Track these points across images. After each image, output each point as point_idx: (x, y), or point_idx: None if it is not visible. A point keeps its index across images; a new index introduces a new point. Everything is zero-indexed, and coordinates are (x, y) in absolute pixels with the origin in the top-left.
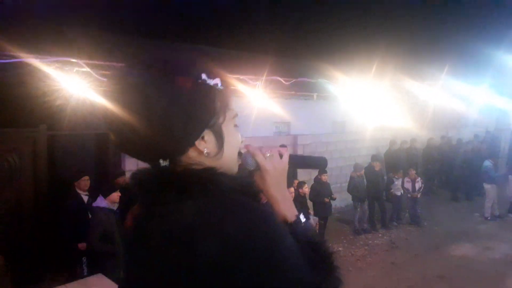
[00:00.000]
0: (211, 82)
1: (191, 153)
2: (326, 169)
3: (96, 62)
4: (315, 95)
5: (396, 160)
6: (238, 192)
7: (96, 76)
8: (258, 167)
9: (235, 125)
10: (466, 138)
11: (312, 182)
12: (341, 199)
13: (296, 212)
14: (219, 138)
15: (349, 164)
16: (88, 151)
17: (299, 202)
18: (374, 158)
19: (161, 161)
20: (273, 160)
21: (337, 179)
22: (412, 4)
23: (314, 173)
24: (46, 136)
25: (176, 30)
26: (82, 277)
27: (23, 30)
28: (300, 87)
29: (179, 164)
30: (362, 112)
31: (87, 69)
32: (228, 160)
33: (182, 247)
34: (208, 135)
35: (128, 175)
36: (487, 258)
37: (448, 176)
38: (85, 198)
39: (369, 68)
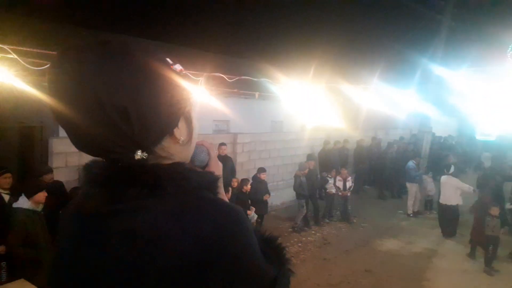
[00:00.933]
0: (176, 67)
1: (165, 143)
2: (264, 167)
3: (25, 49)
4: (256, 94)
5: (329, 160)
6: (205, 189)
7: (24, 64)
8: (208, 163)
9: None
10: (394, 139)
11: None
12: (277, 197)
13: (227, 198)
14: (189, 124)
15: (286, 163)
16: (11, 145)
17: (241, 199)
18: (310, 157)
19: (139, 153)
20: (217, 157)
21: (274, 178)
22: (349, 12)
23: (253, 172)
24: None
25: (112, 20)
26: (1, 283)
27: None
28: (242, 86)
29: (154, 156)
30: (300, 113)
31: (13, 56)
32: (191, 151)
33: (151, 249)
34: (181, 122)
35: (56, 172)
36: (409, 252)
37: (376, 175)
38: (6, 197)
39: (308, 70)
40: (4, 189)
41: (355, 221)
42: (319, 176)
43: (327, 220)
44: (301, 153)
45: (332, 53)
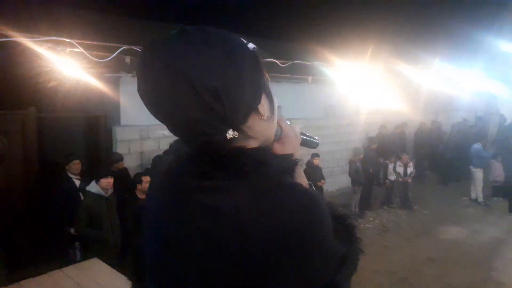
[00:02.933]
0: (250, 46)
1: (250, 121)
2: (318, 153)
3: (90, 42)
4: (310, 78)
5: (387, 144)
6: (286, 174)
7: (90, 56)
8: (281, 135)
9: None
10: (457, 122)
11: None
12: (332, 183)
13: (307, 181)
14: (271, 99)
15: (340, 149)
16: (79, 134)
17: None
18: (372, 141)
19: (230, 132)
20: (293, 128)
21: (328, 163)
22: None
23: (306, 157)
24: (35, 118)
25: (174, 13)
26: (76, 261)
27: (14, 9)
28: (295, 70)
29: (242, 135)
30: (355, 96)
31: (80, 49)
32: (275, 127)
33: (234, 229)
34: (263, 98)
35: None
36: (474, 240)
37: (438, 160)
38: (77, 182)
39: (364, 51)
40: (75, 174)
41: (416, 208)
42: (376, 161)
43: (386, 207)
44: (356, 138)
45: (391, 32)
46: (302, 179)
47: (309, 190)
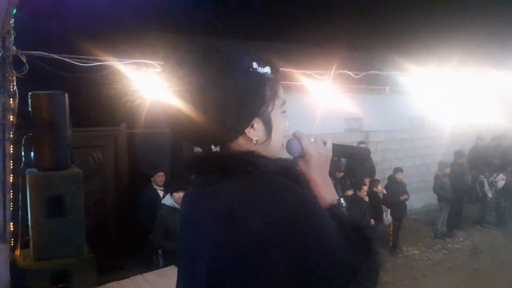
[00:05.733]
0: (262, 70)
1: (241, 140)
2: (401, 167)
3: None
4: (387, 88)
5: (484, 158)
6: (277, 174)
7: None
8: (303, 153)
9: (283, 112)
10: None
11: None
12: (417, 200)
13: (337, 197)
14: (268, 126)
15: (426, 163)
16: (164, 148)
17: (372, 200)
18: (459, 154)
19: (212, 147)
20: (317, 146)
21: (412, 178)
22: None
23: (388, 172)
24: (126, 134)
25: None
26: (158, 268)
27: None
28: (370, 81)
29: (228, 150)
30: (442, 106)
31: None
32: (274, 146)
33: (226, 225)
34: (257, 123)
35: None
36: None
37: None
38: (161, 193)
39: (449, 58)
40: (159, 186)
41: None
42: (470, 176)
43: (479, 227)
44: (444, 151)
45: (479, 36)
46: (320, 189)
47: (296, 188)
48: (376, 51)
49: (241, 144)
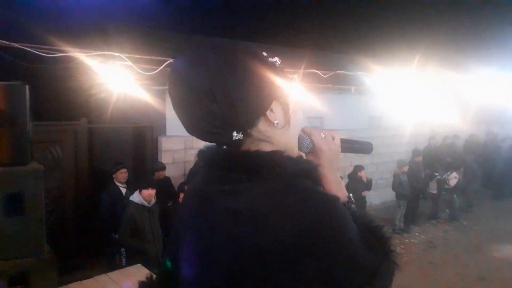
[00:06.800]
0: (272, 59)
1: (261, 126)
2: (362, 165)
3: (137, 56)
4: (352, 88)
5: (437, 156)
6: (302, 177)
7: (138, 70)
8: (313, 148)
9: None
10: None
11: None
12: (376, 197)
13: (346, 193)
14: (286, 109)
15: (385, 161)
16: (127, 144)
17: None
18: (416, 153)
19: (234, 133)
20: (327, 141)
21: (372, 176)
22: None
23: (349, 170)
24: (87, 129)
25: (214, 25)
26: (121, 267)
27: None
28: (337, 80)
29: (251, 138)
30: (401, 107)
31: (129, 63)
32: (293, 137)
33: (251, 226)
34: (276, 106)
35: (168, 168)
36: None
37: (492, 174)
38: (123, 190)
39: (411, 60)
40: (121, 183)
41: (465, 223)
42: (423, 174)
43: (433, 222)
44: (402, 150)
45: (440, 40)
46: (331, 186)
47: (322, 193)
48: (344, 53)
49: (262, 130)
